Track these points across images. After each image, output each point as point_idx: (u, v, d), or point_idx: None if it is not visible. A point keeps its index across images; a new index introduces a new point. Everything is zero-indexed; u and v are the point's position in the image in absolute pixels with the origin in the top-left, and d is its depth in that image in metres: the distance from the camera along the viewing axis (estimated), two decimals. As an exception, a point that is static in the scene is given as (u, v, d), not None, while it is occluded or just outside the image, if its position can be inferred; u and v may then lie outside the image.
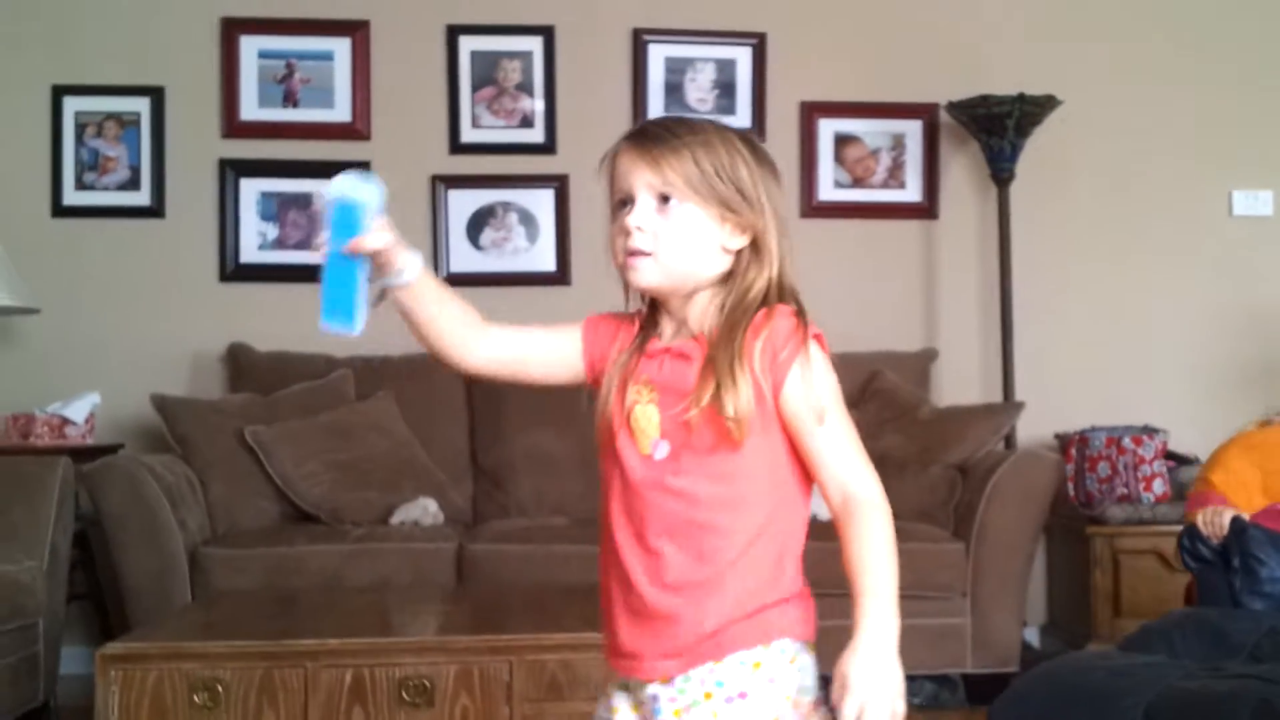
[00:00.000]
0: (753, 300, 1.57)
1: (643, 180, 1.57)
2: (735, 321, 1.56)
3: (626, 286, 1.64)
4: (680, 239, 1.57)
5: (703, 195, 1.56)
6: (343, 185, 1.52)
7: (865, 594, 1.51)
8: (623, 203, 1.60)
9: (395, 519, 4.16)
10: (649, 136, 1.59)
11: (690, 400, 1.53)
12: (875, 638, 1.48)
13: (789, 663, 1.57)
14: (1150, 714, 2.25)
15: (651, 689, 1.58)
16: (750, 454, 1.54)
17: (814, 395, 1.55)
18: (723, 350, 1.54)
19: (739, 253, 1.59)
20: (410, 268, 1.57)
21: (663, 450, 1.56)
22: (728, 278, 1.60)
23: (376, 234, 1.53)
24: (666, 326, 1.64)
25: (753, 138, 1.65)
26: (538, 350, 1.70)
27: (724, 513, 1.55)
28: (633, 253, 1.58)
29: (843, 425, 1.58)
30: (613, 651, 1.64)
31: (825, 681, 1.56)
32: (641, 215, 1.57)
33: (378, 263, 1.55)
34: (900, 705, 1.47)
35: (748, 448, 1.54)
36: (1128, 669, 2.43)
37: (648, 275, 1.58)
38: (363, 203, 1.52)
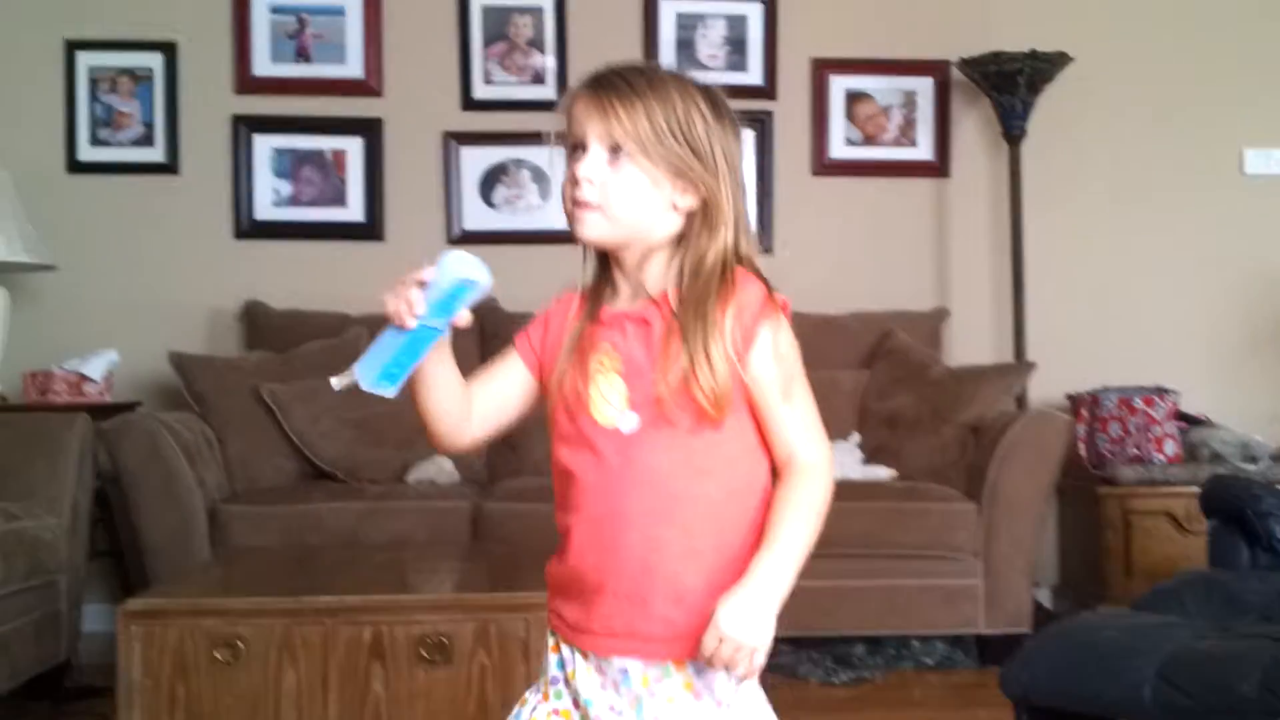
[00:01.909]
0: (712, 265, 1.53)
1: (594, 130, 1.53)
2: (702, 293, 1.51)
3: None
4: (628, 194, 1.53)
5: (653, 151, 1.52)
6: (465, 265, 1.49)
7: (769, 546, 1.48)
8: (575, 148, 1.55)
9: (411, 477, 4.19)
10: (605, 85, 1.54)
11: (658, 375, 1.50)
12: (760, 588, 1.45)
13: None
14: (1162, 673, 2.27)
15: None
16: (728, 427, 1.52)
17: (783, 368, 1.52)
18: (693, 324, 1.49)
19: (692, 213, 1.55)
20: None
21: (630, 422, 1.52)
22: (682, 238, 1.56)
23: (465, 314, 1.51)
24: (623, 288, 1.59)
25: (715, 92, 1.59)
26: (499, 399, 1.64)
27: (700, 483, 1.52)
28: (580, 203, 1.54)
29: (804, 396, 1.55)
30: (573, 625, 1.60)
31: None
32: (591, 166, 1.53)
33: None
34: (760, 659, 1.46)
35: (727, 422, 1.51)
36: (1139, 629, 2.46)
37: (594, 228, 1.54)
38: (479, 286, 1.50)
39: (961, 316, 4.99)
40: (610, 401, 1.53)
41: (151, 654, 2.73)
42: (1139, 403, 4.53)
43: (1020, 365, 4.66)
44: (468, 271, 1.49)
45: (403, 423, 4.32)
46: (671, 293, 1.54)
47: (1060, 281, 5.04)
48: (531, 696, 1.65)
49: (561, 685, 1.61)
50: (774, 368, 1.51)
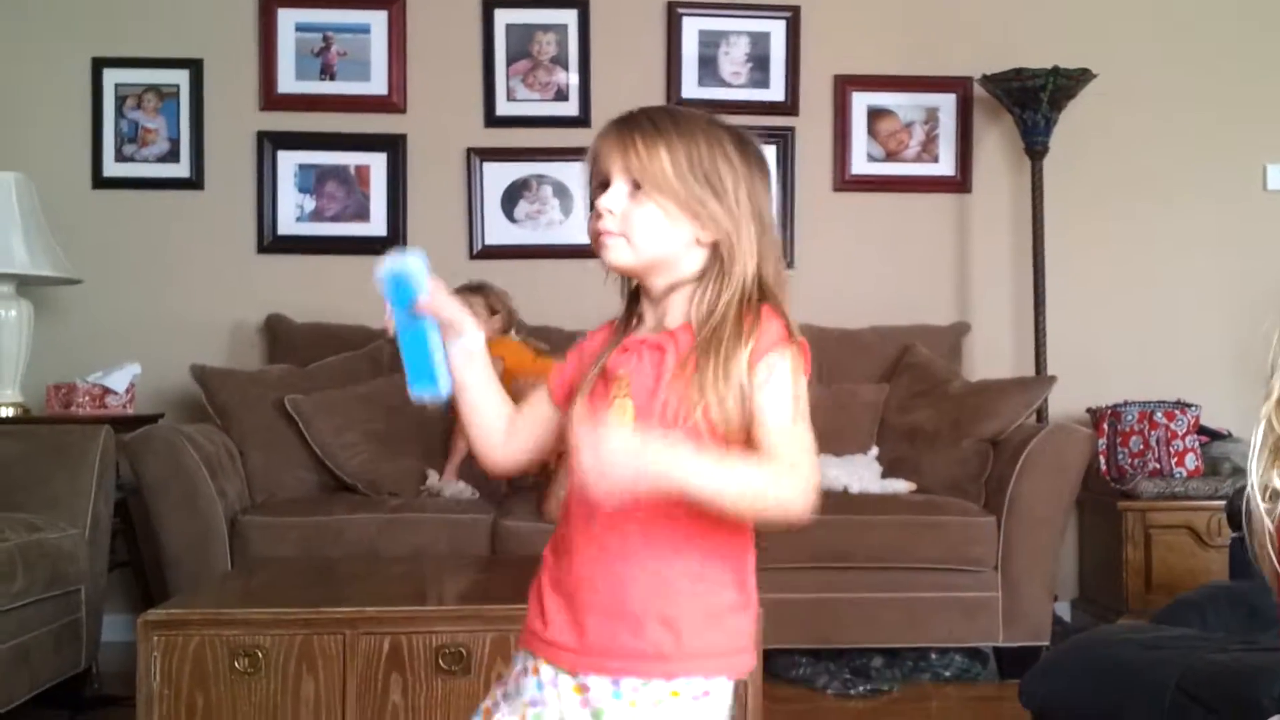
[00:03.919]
0: (724, 306, 1.55)
1: (616, 165, 1.58)
2: (716, 332, 1.53)
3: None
4: (647, 226, 1.57)
5: (669, 189, 1.56)
6: (389, 262, 1.62)
7: (716, 459, 1.46)
8: (602, 186, 1.60)
9: (429, 483, 4.23)
10: (630, 124, 1.59)
11: (664, 403, 1.52)
12: (675, 452, 1.43)
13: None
14: (1181, 686, 2.26)
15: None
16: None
17: (786, 395, 1.52)
18: (706, 362, 1.51)
19: (714, 249, 1.58)
20: (474, 331, 1.64)
21: None
22: (704, 274, 1.59)
23: (433, 293, 1.60)
24: (649, 317, 1.64)
25: (745, 136, 1.63)
26: (530, 425, 1.70)
27: (690, 514, 1.49)
28: (603, 232, 1.58)
29: (805, 428, 1.53)
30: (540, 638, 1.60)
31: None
32: (612, 199, 1.58)
33: (443, 324, 1.62)
34: (597, 490, 1.41)
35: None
36: (1159, 642, 2.44)
37: (619, 254, 1.59)
38: (410, 270, 1.61)
39: (982, 331, 4.99)
40: (619, 424, 1.54)
41: (171, 663, 2.75)
42: (1160, 417, 4.52)
43: (1041, 379, 4.64)
44: (393, 265, 1.61)
45: (424, 436, 4.35)
46: (695, 323, 1.57)
47: (1081, 296, 5.03)
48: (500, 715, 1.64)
49: (542, 709, 1.59)
50: (779, 392, 1.51)
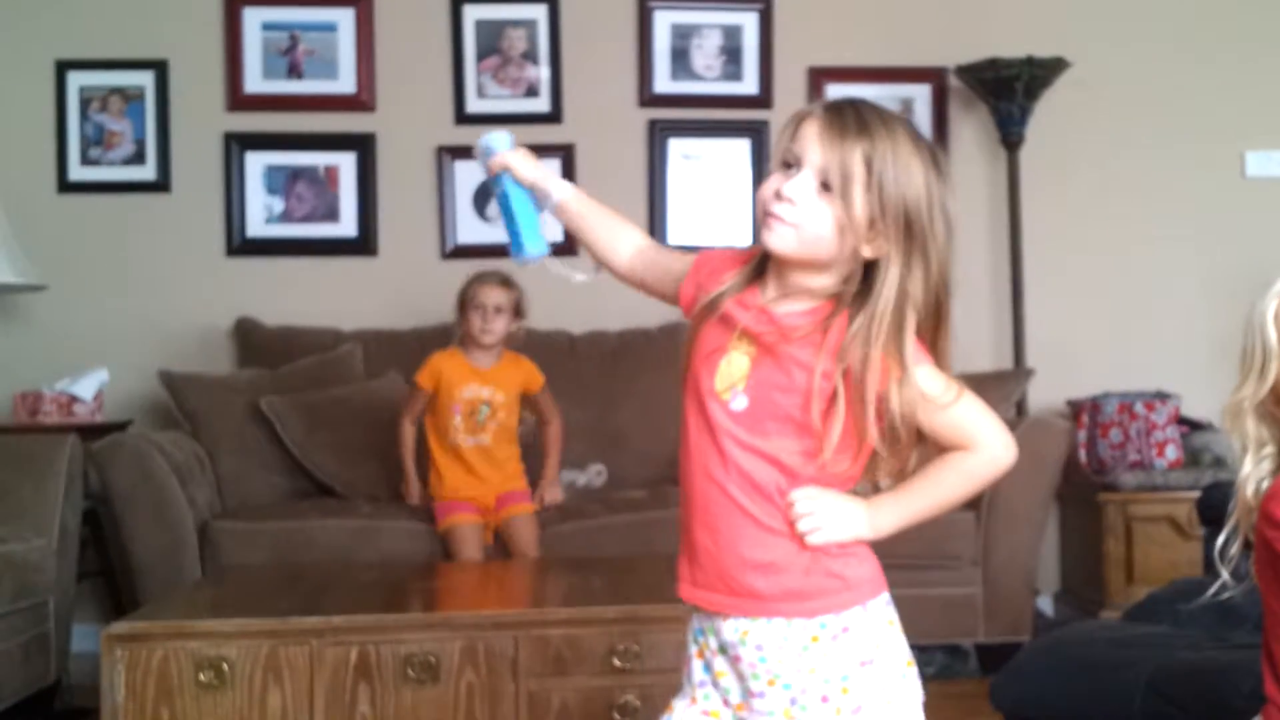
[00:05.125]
0: (880, 315, 1.58)
1: (816, 159, 1.57)
2: (867, 337, 1.58)
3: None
4: (823, 230, 1.57)
5: (857, 199, 1.56)
6: (482, 139, 1.90)
7: (901, 494, 1.67)
8: (788, 164, 1.61)
9: (564, 479, 4.27)
10: (843, 118, 1.58)
11: (786, 389, 1.59)
12: (890, 514, 1.67)
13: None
14: (1152, 685, 2.23)
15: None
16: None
17: (940, 388, 1.66)
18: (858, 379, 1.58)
19: (871, 262, 1.59)
20: (557, 191, 1.85)
21: (740, 402, 1.61)
22: (850, 277, 1.61)
23: (507, 156, 1.86)
24: (772, 286, 1.65)
25: (939, 151, 1.64)
26: (656, 261, 1.83)
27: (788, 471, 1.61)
28: (775, 216, 1.59)
29: (967, 399, 1.70)
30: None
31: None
32: (798, 188, 1.58)
33: (532, 189, 1.87)
34: (818, 538, 1.61)
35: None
36: (1130, 640, 2.42)
37: (783, 241, 1.59)
38: (493, 143, 1.89)
39: (961, 324, 4.87)
40: (729, 375, 1.63)
41: (135, 677, 2.72)
42: (1140, 408, 4.50)
43: (1019, 372, 4.63)
44: (482, 141, 1.91)
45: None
46: (826, 311, 1.61)
47: (1060, 287, 5.00)
48: (678, 703, 1.72)
49: (710, 687, 1.68)
50: (933, 386, 1.63)
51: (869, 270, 1.59)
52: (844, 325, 1.59)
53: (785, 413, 1.59)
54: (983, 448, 1.65)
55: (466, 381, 3.99)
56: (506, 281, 4.05)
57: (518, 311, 4.06)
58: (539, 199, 1.87)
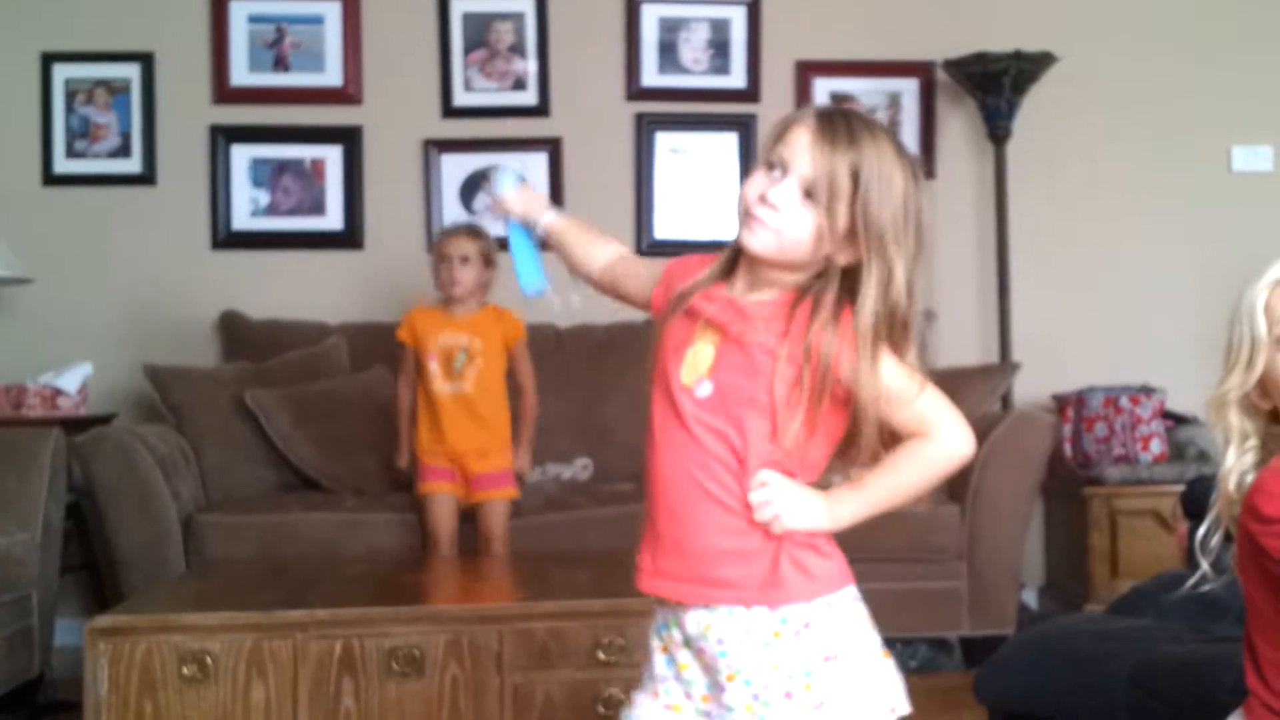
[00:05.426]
0: (857, 314, 1.61)
1: (802, 168, 1.60)
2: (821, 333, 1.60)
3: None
4: (801, 236, 1.60)
5: (840, 211, 1.59)
6: (492, 178, 2.01)
7: (860, 485, 1.67)
8: (772, 166, 1.63)
9: (550, 472, 4.28)
10: (833, 130, 1.60)
11: (757, 380, 1.61)
12: (849, 508, 1.66)
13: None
14: (1135, 678, 2.23)
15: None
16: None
17: (902, 380, 1.64)
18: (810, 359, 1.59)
19: (847, 269, 1.62)
20: (543, 218, 1.94)
21: (705, 388, 1.63)
22: (821, 275, 1.63)
23: (504, 199, 1.95)
24: (741, 279, 1.68)
25: (916, 160, 1.67)
26: (631, 268, 1.89)
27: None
28: (756, 219, 1.61)
29: (930, 391, 1.68)
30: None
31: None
32: (783, 195, 1.61)
33: (526, 223, 1.95)
34: (779, 526, 1.61)
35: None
36: (1113, 633, 2.42)
37: (762, 243, 1.62)
38: (500, 171, 2.01)
39: (947, 318, 4.94)
40: (694, 365, 1.65)
41: (118, 671, 2.71)
42: (1125, 402, 4.50)
43: (1005, 366, 4.63)
44: (493, 181, 2.00)
45: (383, 432, 4.29)
46: (791, 299, 1.63)
47: (1046, 281, 5.00)
48: (639, 697, 1.73)
49: (671, 681, 1.70)
50: (894, 376, 1.62)
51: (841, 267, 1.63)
52: (808, 312, 1.60)
53: (749, 395, 1.60)
54: (941, 437, 1.65)
55: (441, 330, 3.95)
56: (475, 231, 4.01)
57: (488, 262, 4.02)
58: (533, 230, 1.96)
